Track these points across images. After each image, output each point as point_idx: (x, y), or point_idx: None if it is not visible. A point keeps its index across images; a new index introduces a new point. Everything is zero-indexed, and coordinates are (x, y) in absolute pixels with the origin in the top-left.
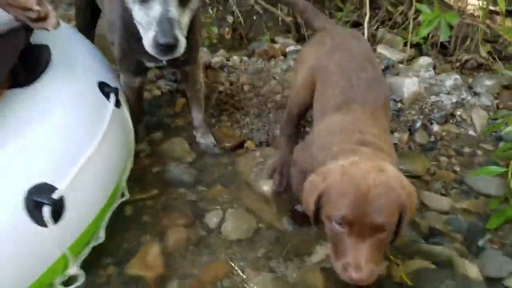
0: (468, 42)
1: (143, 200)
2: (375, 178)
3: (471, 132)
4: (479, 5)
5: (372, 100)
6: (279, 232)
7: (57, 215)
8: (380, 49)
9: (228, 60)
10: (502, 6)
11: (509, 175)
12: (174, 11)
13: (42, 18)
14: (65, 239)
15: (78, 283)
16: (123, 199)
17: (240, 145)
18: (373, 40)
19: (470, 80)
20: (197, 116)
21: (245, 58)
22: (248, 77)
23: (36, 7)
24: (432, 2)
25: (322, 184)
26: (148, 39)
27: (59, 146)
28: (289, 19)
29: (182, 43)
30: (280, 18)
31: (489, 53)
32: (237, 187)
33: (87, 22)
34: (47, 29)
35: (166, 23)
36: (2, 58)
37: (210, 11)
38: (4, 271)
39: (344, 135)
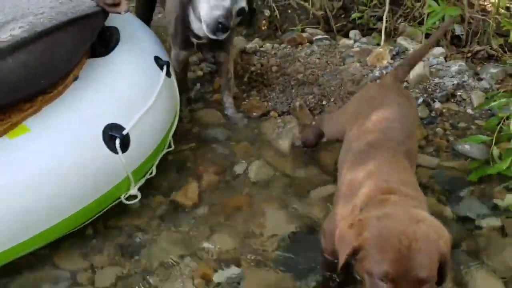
0: (479, 35)
1: (184, 151)
2: (415, 231)
3: (468, 110)
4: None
5: (391, 149)
6: (291, 179)
7: (124, 146)
8: (400, 40)
9: (261, 47)
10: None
11: (493, 143)
12: (229, 2)
13: (116, 4)
14: (129, 165)
15: (136, 200)
16: (170, 149)
17: (266, 114)
18: (395, 32)
19: (478, 68)
20: (227, 99)
21: (275, 45)
22: (277, 60)
23: None
24: None
25: (357, 238)
26: (210, 17)
27: (126, 99)
28: (320, 13)
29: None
30: (311, 12)
31: (500, 45)
32: (260, 145)
33: (146, 13)
34: (119, 13)
35: (227, 11)
36: (87, 35)
37: None
38: (89, 181)
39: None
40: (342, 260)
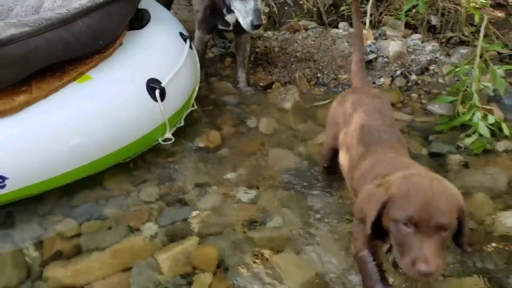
0: (453, 24)
1: (204, 111)
2: (437, 186)
3: (440, 81)
4: None
5: (386, 141)
6: (294, 131)
7: (162, 96)
8: (383, 28)
9: (263, 34)
10: None
11: (458, 102)
12: (260, 5)
13: None
14: (166, 112)
15: (170, 141)
16: (193, 108)
17: (270, 85)
18: (379, 24)
19: (450, 50)
20: (241, 74)
21: (276, 32)
22: (278, 43)
23: None
24: None
25: (386, 193)
26: (246, 21)
27: (161, 61)
28: (314, 9)
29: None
30: (305, 7)
31: (472, 33)
32: (267, 107)
33: (167, 2)
34: None
35: (258, 13)
36: (129, 10)
37: None
38: (134, 122)
39: (384, 166)
40: (372, 215)
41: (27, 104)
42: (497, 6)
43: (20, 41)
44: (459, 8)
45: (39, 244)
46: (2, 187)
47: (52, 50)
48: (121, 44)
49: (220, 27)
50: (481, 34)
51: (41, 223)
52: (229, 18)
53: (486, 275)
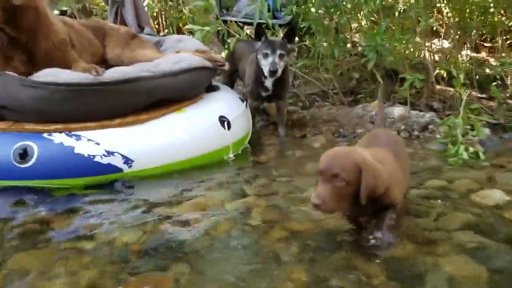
0: (450, 106)
1: (254, 146)
2: (341, 151)
3: (437, 136)
4: None
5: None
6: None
7: (228, 127)
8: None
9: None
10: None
11: (449, 142)
12: (277, 60)
13: (222, 65)
14: (231, 138)
15: (231, 159)
16: (247, 146)
17: (303, 136)
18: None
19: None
20: (281, 129)
21: (306, 111)
22: (308, 114)
23: (220, 58)
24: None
25: None
26: (267, 70)
27: (228, 109)
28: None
29: (279, 72)
30: (331, 96)
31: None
32: (300, 146)
33: (231, 82)
34: (224, 69)
35: (274, 64)
36: (208, 77)
37: None
38: (210, 140)
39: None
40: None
41: (147, 120)
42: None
43: (146, 80)
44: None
45: None
46: (130, 166)
47: (164, 90)
48: (202, 97)
49: (263, 93)
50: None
51: None
52: (267, 83)
53: None
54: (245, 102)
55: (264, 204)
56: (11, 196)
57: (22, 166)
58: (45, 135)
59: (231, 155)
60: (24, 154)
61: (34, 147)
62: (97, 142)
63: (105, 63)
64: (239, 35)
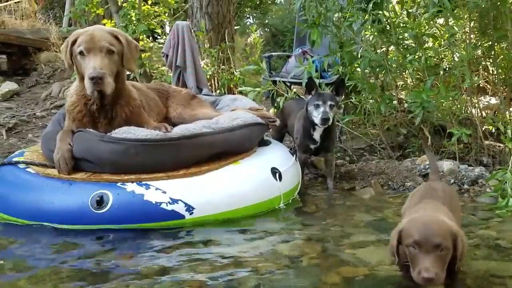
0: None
1: (305, 196)
2: (433, 218)
3: (487, 190)
4: None
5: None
6: (369, 208)
7: (279, 178)
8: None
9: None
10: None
11: (499, 195)
12: (328, 110)
13: (273, 121)
14: (282, 189)
15: (282, 207)
16: (297, 197)
17: (352, 188)
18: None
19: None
20: (330, 181)
21: (355, 165)
22: (357, 167)
23: (271, 115)
24: None
25: (398, 228)
26: (318, 119)
27: (279, 161)
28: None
29: (330, 120)
30: (378, 151)
31: None
32: (349, 197)
33: (280, 137)
34: (275, 125)
35: (325, 113)
36: (260, 132)
37: None
38: (263, 190)
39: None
40: (394, 244)
41: (207, 171)
42: None
43: (208, 135)
44: (505, 148)
45: None
46: (191, 213)
47: (223, 144)
48: (255, 151)
49: (311, 146)
50: None
51: None
52: (315, 135)
53: None
54: (294, 155)
55: (316, 249)
56: (88, 238)
57: (99, 212)
58: (119, 184)
59: (282, 204)
60: (100, 201)
61: (110, 195)
62: (164, 191)
63: (168, 121)
64: (287, 94)
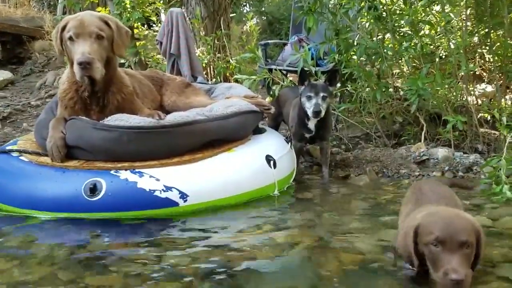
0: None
1: (298, 183)
2: (454, 213)
3: (482, 176)
4: None
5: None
6: (366, 194)
7: (274, 165)
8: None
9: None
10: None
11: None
12: (320, 101)
13: (268, 109)
14: (276, 176)
15: (276, 195)
16: (292, 184)
17: (347, 176)
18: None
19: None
20: (325, 170)
21: (350, 153)
22: (352, 155)
23: (266, 103)
24: None
25: (414, 224)
26: (310, 111)
27: (274, 148)
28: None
29: (322, 112)
30: (374, 138)
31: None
32: (344, 184)
33: (276, 125)
34: (270, 113)
35: (317, 105)
36: (255, 120)
37: None
38: (257, 177)
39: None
40: (411, 245)
41: (201, 158)
42: None
43: (202, 123)
44: (500, 135)
45: None
46: (185, 200)
47: (217, 131)
48: (250, 138)
49: (306, 135)
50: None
51: None
52: (310, 125)
53: None
54: (289, 143)
55: (311, 236)
56: (82, 227)
57: (92, 199)
58: (112, 172)
59: (276, 192)
60: (94, 189)
61: (103, 182)
62: (157, 178)
63: (162, 109)
64: (283, 82)
